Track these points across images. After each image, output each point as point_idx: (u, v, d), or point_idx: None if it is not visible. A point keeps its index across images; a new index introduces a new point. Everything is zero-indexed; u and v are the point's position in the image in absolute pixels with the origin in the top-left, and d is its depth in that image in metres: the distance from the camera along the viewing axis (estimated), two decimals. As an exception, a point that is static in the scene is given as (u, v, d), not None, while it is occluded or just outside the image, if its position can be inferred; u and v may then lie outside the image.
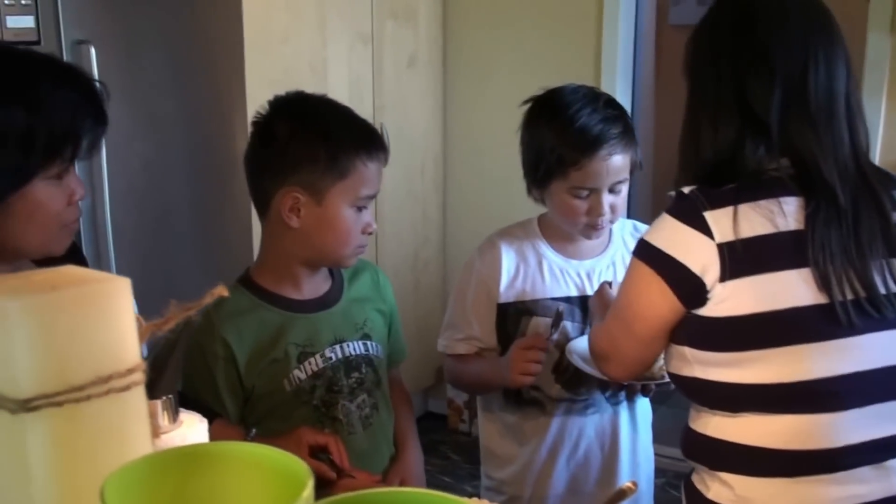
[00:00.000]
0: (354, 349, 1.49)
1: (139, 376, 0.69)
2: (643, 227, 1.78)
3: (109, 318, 0.67)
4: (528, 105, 1.72)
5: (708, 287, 1.20)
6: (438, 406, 3.57)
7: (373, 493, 0.62)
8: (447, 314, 1.75)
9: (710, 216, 1.19)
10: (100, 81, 1.25)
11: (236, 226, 2.53)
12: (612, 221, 1.65)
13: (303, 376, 1.43)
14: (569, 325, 1.65)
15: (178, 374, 0.89)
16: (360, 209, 1.42)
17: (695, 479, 1.32)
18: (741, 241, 1.18)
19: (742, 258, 1.18)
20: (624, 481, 1.70)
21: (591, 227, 1.64)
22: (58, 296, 0.65)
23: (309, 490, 0.63)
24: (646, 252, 1.25)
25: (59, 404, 0.66)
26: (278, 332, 1.43)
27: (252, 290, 1.46)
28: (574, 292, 1.67)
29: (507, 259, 1.70)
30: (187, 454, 0.68)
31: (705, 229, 1.19)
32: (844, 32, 1.27)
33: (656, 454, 1.91)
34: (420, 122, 3.25)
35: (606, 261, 1.71)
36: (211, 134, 2.49)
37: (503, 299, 1.68)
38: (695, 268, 1.20)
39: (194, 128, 2.44)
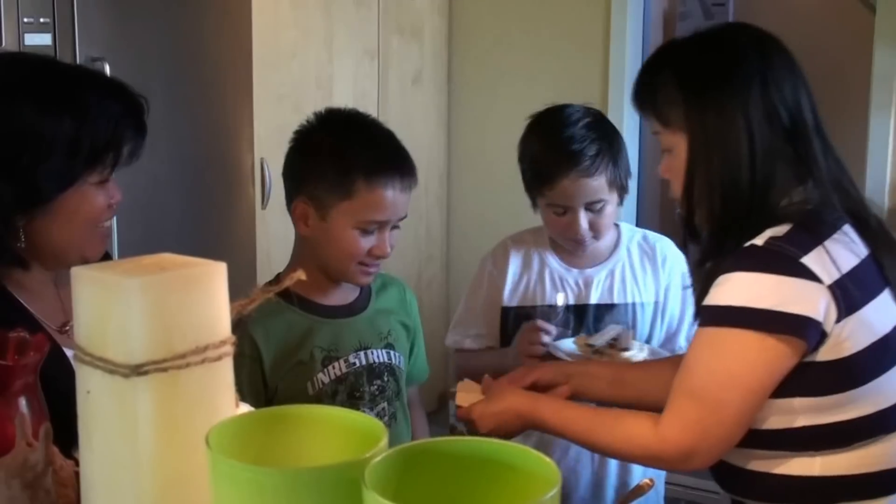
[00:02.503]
0: (378, 357, 1.62)
1: (229, 348, 0.85)
2: (654, 236, 1.94)
3: (208, 296, 0.83)
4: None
5: (828, 332, 1.24)
6: (440, 433, 3.71)
7: (451, 441, 0.78)
8: (458, 311, 1.91)
9: (808, 261, 1.23)
10: (141, 96, 1.41)
11: (242, 241, 2.69)
12: (595, 238, 1.81)
13: (326, 380, 1.56)
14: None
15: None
16: (366, 231, 1.52)
17: None
18: (846, 276, 1.24)
19: (851, 294, 1.24)
20: (611, 488, 1.84)
21: (575, 242, 1.80)
22: (167, 276, 0.81)
23: (384, 442, 0.79)
24: (748, 318, 1.23)
25: (165, 370, 0.81)
26: (304, 335, 1.56)
27: (280, 294, 1.58)
28: (570, 300, 1.83)
29: (514, 264, 1.88)
30: (276, 414, 0.84)
31: (810, 275, 1.22)
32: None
33: (668, 483, 1.99)
34: (424, 139, 3.42)
35: (605, 270, 1.86)
36: (219, 148, 2.66)
37: (506, 303, 1.86)
38: (817, 316, 1.22)
39: (203, 142, 2.61)
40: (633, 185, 3.25)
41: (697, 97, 1.33)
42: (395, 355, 1.65)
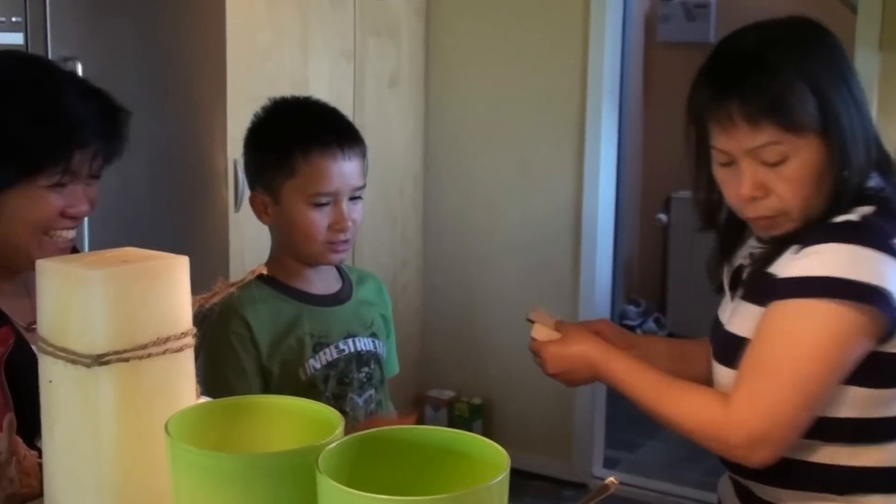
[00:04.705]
0: (365, 345, 1.66)
1: (190, 340, 0.89)
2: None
3: (169, 288, 0.87)
4: None
5: None
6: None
7: (405, 430, 0.82)
8: None
9: None
10: (123, 108, 1.42)
11: (216, 242, 2.73)
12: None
13: (318, 366, 1.60)
14: None
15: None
16: (319, 206, 1.54)
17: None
18: None
19: None
20: None
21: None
22: (130, 268, 0.85)
23: (340, 430, 0.83)
24: (846, 289, 1.21)
25: (126, 360, 0.86)
26: (294, 322, 1.60)
27: (267, 283, 1.62)
28: None
29: None
30: (235, 404, 0.89)
31: None
32: None
33: (645, 488, 1.99)
34: (400, 141, 3.46)
35: None
36: (192, 150, 2.69)
37: None
38: None
39: (176, 144, 2.64)
40: (612, 183, 3.34)
41: (829, 94, 1.26)
42: (378, 344, 1.70)
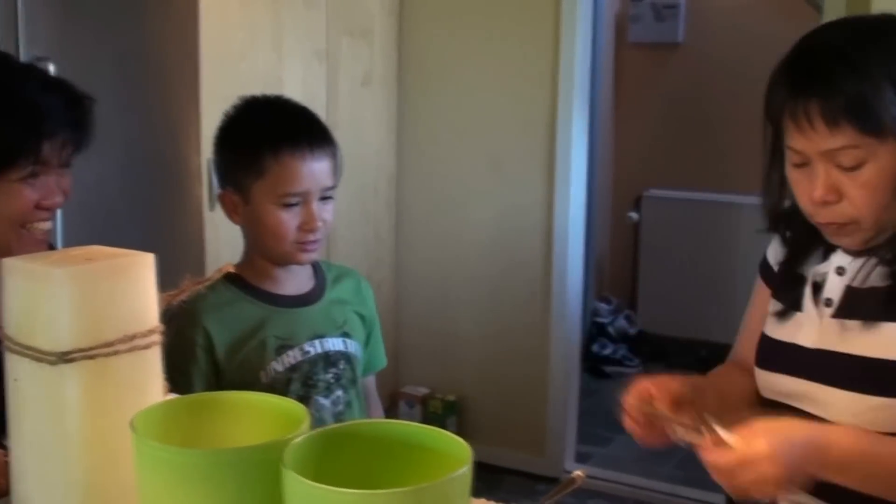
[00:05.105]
0: (334, 345, 1.65)
1: (157, 337, 0.89)
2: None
3: (135, 286, 0.87)
4: None
5: None
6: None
7: (370, 424, 0.83)
8: None
9: None
10: (87, 95, 1.41)
11: (190, 241, 2.71)
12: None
13: (280, 368, 1.59)
14: None
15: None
16: (289, 206, 1.53)
17: None
18: None
19: None
20: None
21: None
22: (94, 266, 0.85)
23: (306, 425, 0.83)
24: None
25: (92, 357, 0.85)
26: (258, 324, 1.59)
27: (236, 284, 1.62)
28: None
29: None
30: (202, 400, 0.88)
31: None
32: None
33: (617, 482, 1.97)
34: (374, 141, 3.46)
35: None
36: (166, 149, 2.68)
37: None
38: None
39: (150, 143, 2.63)
40: (583, 182, 3.36)
41: None
42: (350, 343, 1.68)
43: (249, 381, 1.56)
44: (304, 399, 1.60)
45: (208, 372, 1.57)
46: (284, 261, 1.61)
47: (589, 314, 4.51)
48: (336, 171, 1.62)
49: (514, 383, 3.41)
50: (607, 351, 4.50)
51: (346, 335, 1.67)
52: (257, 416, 0.88)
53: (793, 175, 1.27)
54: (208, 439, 0.88)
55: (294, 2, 3.00)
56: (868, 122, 1.16)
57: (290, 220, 1.55)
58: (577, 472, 1.49)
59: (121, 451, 0.85)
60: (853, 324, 1.28)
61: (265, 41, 2.90)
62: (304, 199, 1.55)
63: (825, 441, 1.14)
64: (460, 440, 0.80)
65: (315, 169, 1.56)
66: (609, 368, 4.43)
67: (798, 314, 1.35)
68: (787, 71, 1.24)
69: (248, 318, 1.59)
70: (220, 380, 1.57)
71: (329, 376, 1.64)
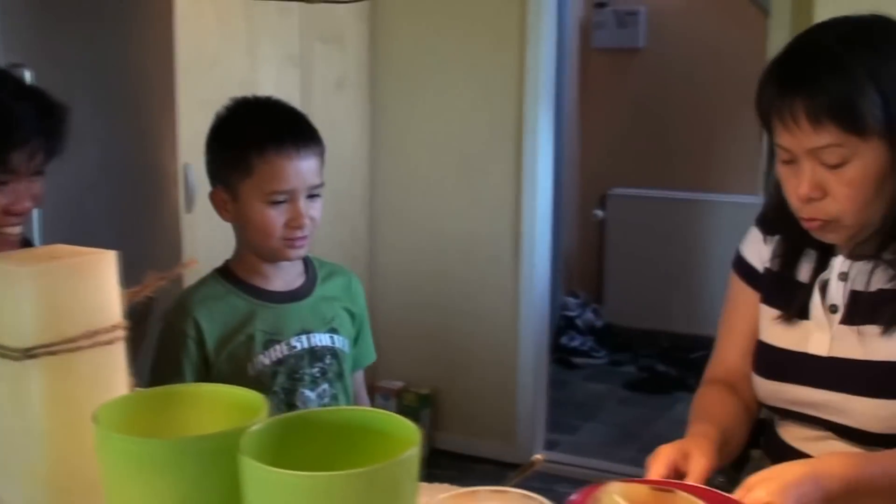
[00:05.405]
0: (321, 340, 1.66)
1: (120, 333, 0.89)
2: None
3: (97, 283, 0.87)
4: None
5: None
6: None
7: (325, 411, 0.83)
8: None
9: None
10: (60, 104, 1.39)
11: (168, 245, 2.70)
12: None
13: (266, 362, 1.60)
14: None
15: (144, 338, 1.07)
16: (276, 203, 1.54)
17: None
18: None
19: None
20: None
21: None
22: (57, 264, 0.84)
23: (264, 413, 0.83)
24: None
25: (55, 353, 0.85)
26: (246, 318, 1.60)
27: (227, 279, 1.64)
28: None
29: None
30: (164, 393, 0.88)
31: None
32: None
33: (584, 467, 1.96)
34: (348, 144, 3.45)
35: None
36: (143, 154, 2.66)
37: None
38: None
39: (126, 148, 2.61)
40: (549, 181, 3.37)
41: None
42: (338, 339, 1.68)
43: (237, 373, 1.57)
44: (290, 392, 1.62)
45: (198, 363, 1.58)
46: (273, 257, 1.62)
47: (558, 308, 4.53)
48: (322, 169, 1.63)
49: (486, 376, 3.42)
50: (575, 343, 4.52)
51: (333, 331, 1.67)
52: (218, 407, 0.88)
53: (782, 171, 1.26)
54: (170, 431, 0.87)
55: (267, 8, 2.99)
56: (851, 121, 1.15)
57: (277, 217, 1.55)
58: (537, 456, 1.50)
59: (85, 445, 0.85)
60: (871, 329, 1.25)
61: (239, 47, 2.89)
62: (291, 196, 1.56)
63: (820, 472, 1.10)
64: (410, 423, 0.80)
65: (302, 168, 1.56)
66: (577, 360, 4.46)
67: (805, 322, 1.31)
68: (776, 69, 1.23)
69: (237, 313, 1.60)
70: (209, 371, 1.58)
71: (315, 370, 1.64)
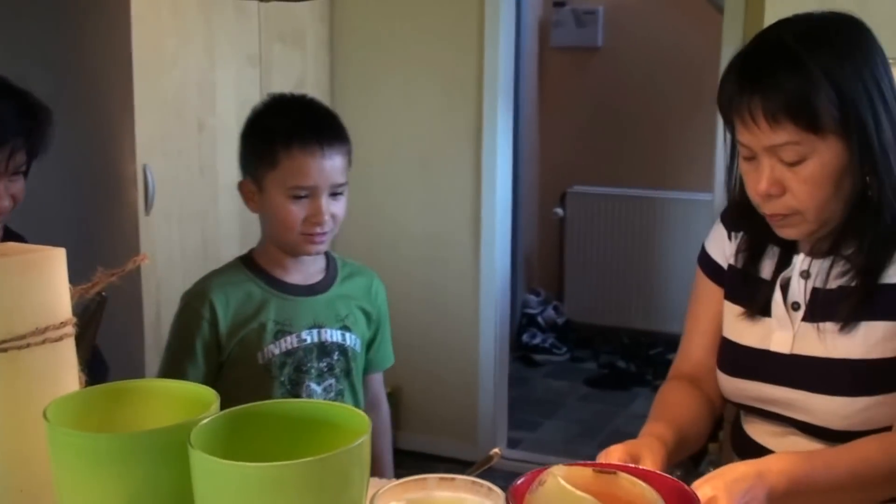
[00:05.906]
0: (331, 336, 1.67)
1: (70, 329, 0.89)
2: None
3: (47, 280, 0.86)
4: None
5: None
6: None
7: (275, 404, 0.83)
8: None
9: None
10: (41, 105, 1.39)
11: (126, 247, 2.68)
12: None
13: (276, 351, 1.62)
14: None
15: (96, 334, 1.07)
16: (297, 198, 1.57)
17: None
18: None
19: None
20: None
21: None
22: (6, 261, 0.84)
23: (215, 406, 0.83)
24: None
25: (5, 350, 0.85)
26: (260, 307, 1.62)
27: (248, 267, 1.66)
28: None
29: None
30: (114, 389, 0.88)
31: None
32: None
33: (545, 464, 1.99)
34: (309, 143, 3.45)
35: None
36: (100, 155, 2.64)
37: None
38: None
39: (84, 149, 2.59)
40: (508, 179, 3.39)
41: (856, 98, 1.18)
42: (349, 336, 1.70)
43: (247, 360, 1.61)
44: (296, 383, 1.64)
45: (211, 344, 1.61)
46: (293, 250, 1.64)
47: (519, 306, 4.55)
48: (349, 169, 1.66)
49: (448, 374, 3.44)
50: (537, 340, 4.56)
51: (345, 328, 1.69)
52: (170, 402, 0.88)
53: (743, 167, 1.27)
54: (122, 427, 0.88)
55: (225, 8, 2.97)
56: (807, 120, 1.16)
57: (297, 211, 1.58)
58: (495, 450, 1.52)
59: (35, 443, 0.85)
60: (829, 326, 1.26)
61: (197, 47, 2.88)
62: (313, 193, 1.58)
63: (764, 470, 1.09)
64: (359, 412, 0.81)
65: (325, 165, 1.59)
66: (539, 357, 4.49)
67: (767, 319, 1.32)
68: (736, 66, 1.24)
69: (252, 300, 1.63)
70: (221, 354, 1.62)
71: (322, 365, 1.66)
